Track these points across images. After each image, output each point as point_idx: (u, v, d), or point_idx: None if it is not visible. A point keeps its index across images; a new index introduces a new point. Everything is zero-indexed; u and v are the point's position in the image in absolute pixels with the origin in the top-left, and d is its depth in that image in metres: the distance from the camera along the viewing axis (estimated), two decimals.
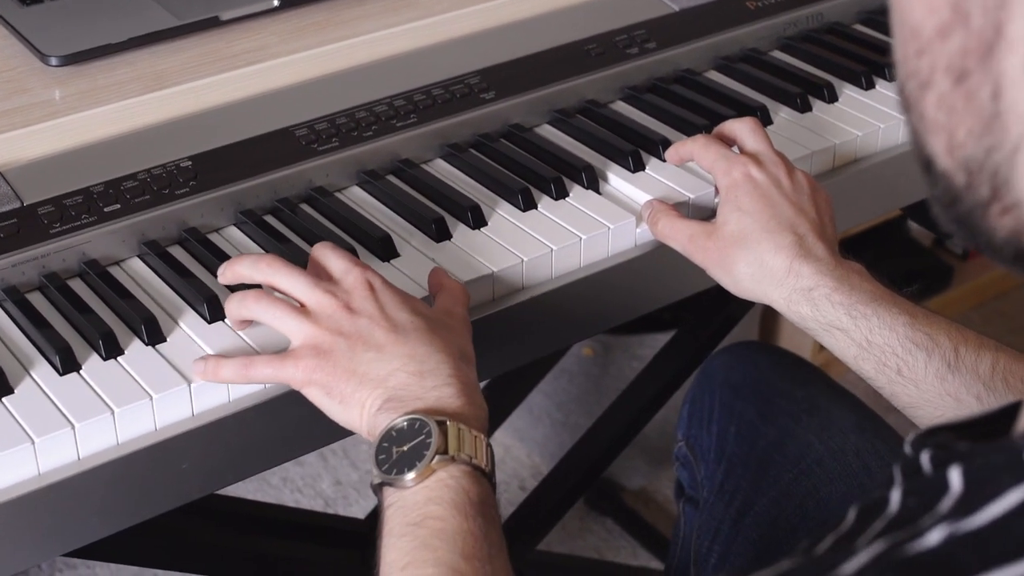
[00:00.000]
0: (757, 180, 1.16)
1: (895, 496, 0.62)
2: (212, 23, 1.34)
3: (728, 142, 1.23)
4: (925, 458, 0.63)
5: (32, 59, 1.29)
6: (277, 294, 1.04)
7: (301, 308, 1.02)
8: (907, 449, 0.66)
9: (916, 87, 0.62)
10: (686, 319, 1.75)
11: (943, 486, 0.59)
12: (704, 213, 1.24)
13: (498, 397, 1.94)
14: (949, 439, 0.64)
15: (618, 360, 2.26)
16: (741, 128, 1.22)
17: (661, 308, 1.30)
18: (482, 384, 1.89)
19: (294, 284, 1.03)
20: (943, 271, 2.60)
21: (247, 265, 1.06)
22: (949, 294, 2.60)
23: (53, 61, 1.27)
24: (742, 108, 1.38)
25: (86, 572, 2.10)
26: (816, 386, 1.40)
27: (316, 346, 0.99)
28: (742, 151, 1.20)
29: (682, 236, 1.17)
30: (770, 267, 1.12)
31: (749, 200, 1.15)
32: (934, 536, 0.56)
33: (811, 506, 1.28)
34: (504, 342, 1.18)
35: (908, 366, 1.07)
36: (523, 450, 2.32)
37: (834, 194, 1.28)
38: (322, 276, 1.05)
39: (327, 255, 1.06)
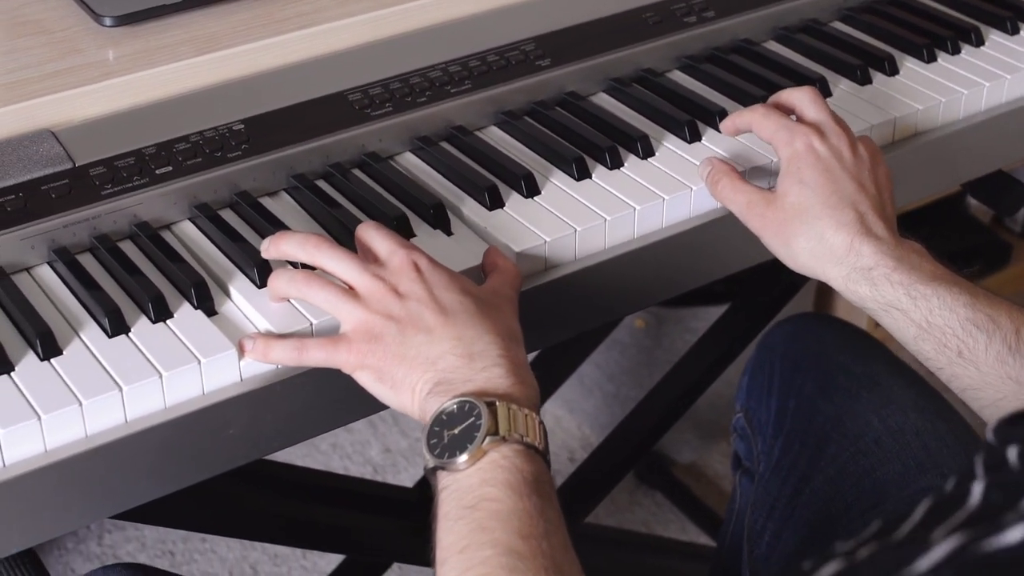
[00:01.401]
0: (819, 152, 1.13)
1: (977, 489, 0.60)
2: None
3: (786, 111, 1.20)
4: (1013, 453, 0.61)
5: (86, 19, 1.28)
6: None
7: (350, 291, 1.01)
8: (990, 438, 0.64)
9: None
10: (740, 292, 1.74)
11: None
12: (764, 183, 1.22)
13: (549, 368, 1.93)
14: None
15: (670, 332, 2.25)
16: (800, 97, 1.19)
17: (715, 281, 1.29)
18: (532, 355, 1.88)
19: (341, 267, 1.02)
20: (1002, 249, 2.56)
21: (294, 244, 1.05)
22: (1008, 272, 2.56)
23: (107, 21, 1.26)
24: (800, 79, 1.35)
25: (134, 533, 2.11)
26: (877, 362, 1.38)
27: (367, 331, 0.98)
28: (802, 121, 1.18)
29: (741, 200, 1.15)
30: (830, 244, 1.10)
31: (811, 173, 1.13)
32: (1016, 533, 0.54)
33: (867, 485, 1.26)
34: (555, 313, 1.17)
35: (968, 348, 1.05)
36: (573, 421, 2.31)
37: (894, 168, 1.26)
38: (368, 257, 1.04)
39: (372, 236, 1.05)
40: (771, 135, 1.17)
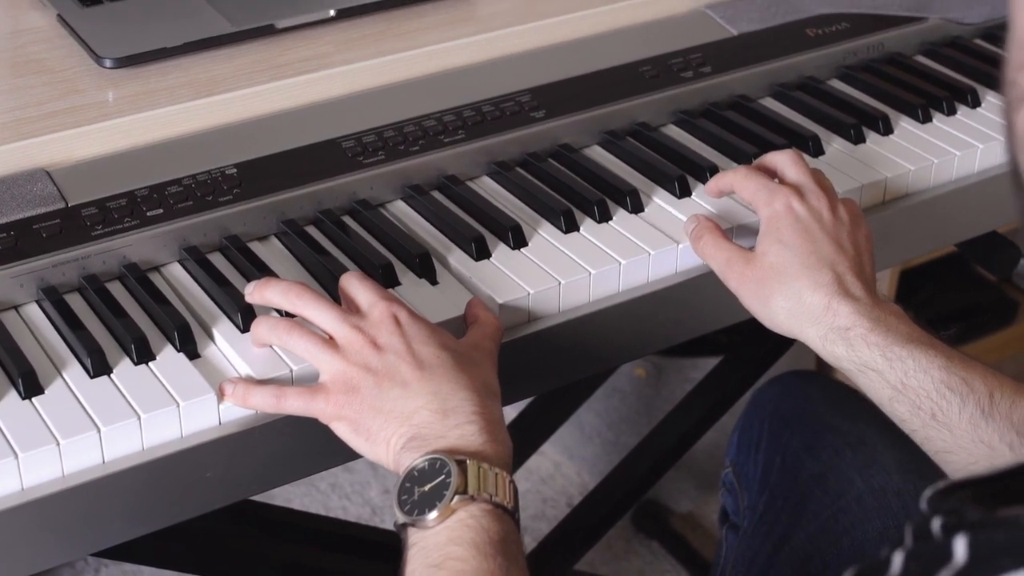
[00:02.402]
0: (799, 213, 1.14)
1: (898, 559, 0.60)
2: (268, 31, 1.35)
3: (770, 174, 1.21)
4: (936, 524, 0.62)
5: (87, 60, 1.30)
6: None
7: (330, 341, 1.02)
8: (923, 506, 0.65)
9: (1014, 98, 0.60)
10: (734, 345, 1.74)
11: (946, 555, 0.57)
12: (750, 242, 1.22)
13: (545, 413, 1.94)
14: (964, 502, 0.62)
15: (671, 382, 2.25)
16: (782, 160, 1.20)
17: (717, 331, 1.29)
18: (527, 401, 1.89)
19: (323, 317, 1.03)
20: (1008, 306, 2.56)
21: (277, 293, 1.06)
22: (1015, 329, 2.56)
23: (107, 63, 1.28)
24: (794, 137, 1.36)
25: (131, 567, 2.11)
26: (865, 421, 1.38)
27: (345, 382, 0.99)
28: (783, 182, 1.19)
29: (721, 257, 1.16)
30: (808, 304, 1.11)
31: (790, 233, 1.13)
32: None
33: (846, 544, 1.27)
34: (538, 364, 1.18)
35: (942, 410, 1.06)
36: (572, 468, 2.31)
37: (884, 228, 1.27)
38: (351, 307, 1.05)
39: (355, 286, 1.06)
40: (752, 195, 1.18)
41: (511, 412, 2.07)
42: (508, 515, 0.93)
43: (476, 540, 0.90)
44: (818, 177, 1.20)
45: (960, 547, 0.57)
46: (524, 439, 1.90)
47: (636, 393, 2.27)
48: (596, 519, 1.80)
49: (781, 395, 1.44)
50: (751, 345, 1.72)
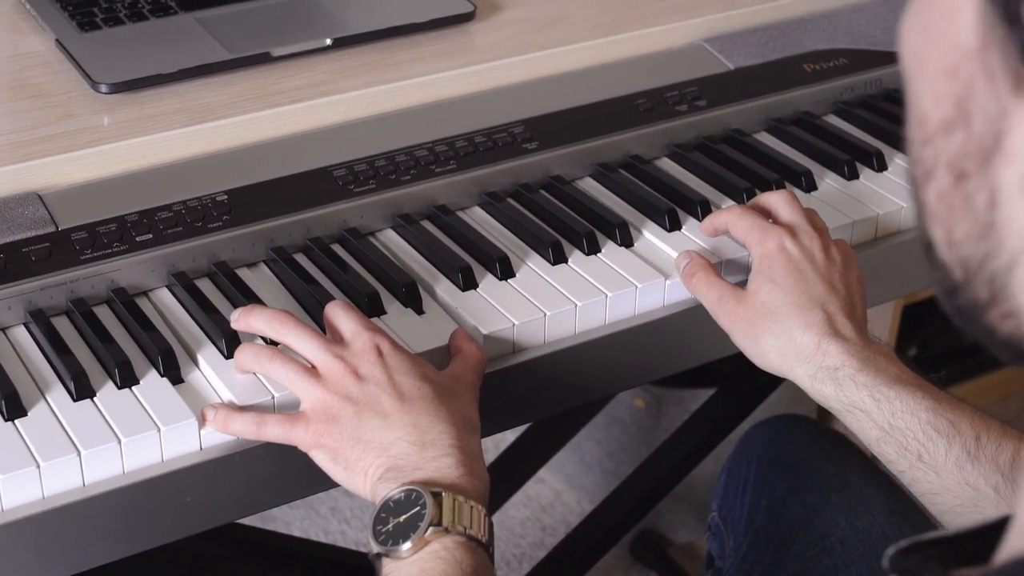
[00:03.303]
0: (791, 253, 1.15)
1: None
2: (263, 59, 1.35)
3: (764, 214, 1.22)
4: None
5: (83, 85, 1.31)
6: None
7: (312, 370, 1.03)
8: (885, 564, 0.65)
9: (921, 174, 0.61)
10: (728, 378, 1.74)
11: None
12: (737, 278, 1.23)
13: (543, 439, 1.94)
14: (923, 562, 0.62)
15: (670, 413, 2.25)
16: (776, 200, 1.21)
17: (718, 362, 1.29)
18: (524, 427, 1.89)
19: (304, 345, 1.04)
20: None
21: (262, 320, 1.07)
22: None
23: (103, 88, 1.29)
24: (787, 172, 1.37)
25: None
26: (850, 464, 1.38)
27: (325, 411, 1.00)
28: (777, 223, 1.19)
29: (713, 295, 1.17)
30: (798, 343, 1.11)
31: (782, 273, 1.14)
32: None
33: None
34: (523, 395, 1.18)
35: (928, 452, 1.06)
36: (572, 496, 2.31)
37: (877, 264, 1.27)
38: (335, 336, 1.06)
39: (339, 315, 1.07)
40: (744, 235, 1.18)
41: (509, 437, 2.07)
42: (482, 548, 0.94)
43: (448, 572, 0.90)
44: (811, 217, 1.20)
45: None
46: (521, 465, 1.90)
47: (636, 423, 2.27)
48: (589, 547, 1.80)
49: (768, 438, 1.44)
50: (745, 378, 1.72)
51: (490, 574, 0.93)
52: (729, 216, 1.21)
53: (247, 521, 2.06)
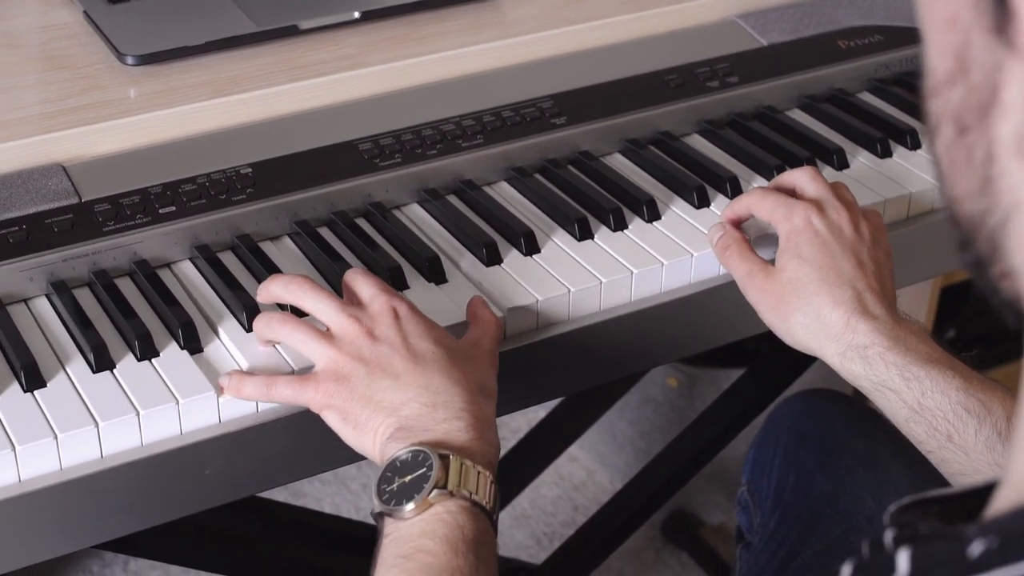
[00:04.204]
0: (818, 228, 1.13)
1: (846, 570, 0.59)
2: (291, 31, 1.35)
3: (789, 193, 1.20)
4: (888, 536, 0.61)
5: (110, 57, 1.30)
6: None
7: (326, 333, 1.02)
8: (885, 520, 0.64)
9: (932, 128, 0.60)
10: (759, 357, 1.72)
11: (891, 567, 0.57)
12: (770, 252, 1.21)
13: (573, 415, 1.93)
14: (921, 516, 0.62)
15: (703, 392, 2.23)
16: (801, 177, 1.19)
17: (750, 341, 1.27)
18: (556, 402, 1.88)
19: (320, 307, 1.03)
20: None
21: (279, 285, 1.07)
22: None
23: (129, 60, 1.29)
24: (819, 149, 1.35)
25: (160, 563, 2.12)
26: (881, 441, 1.36)
27: (336, 371, 0.99)
28: (803, 198, 1.17)
29: (743, 269, 1.15)
30: (827, 321, 1.10)
31: (810, 248, 1.12)
32: None
33: None
34: (547, 371, 1.17)
35: (959, 432, 1.04)
36: (605, 476, 2.30)
37: (909, 244, 1.25)
38: (354, 302, 1.05)
39: (358, 281, 1.06)
40: (770, 213, 1.16)
41: (539, 412, 2.06)
42: (485, 515, 0.93)
43: (449, 536, 0.89)
44: (839, 190, 1.18)
45: (903, 560, 0.56)
46: (551, 441, 1.89)
47: (669, 403, 2.26)
48: (617, 526, 1.79)
49: (798, 413, 1.42)
50: (777, 357, 1.70)
51: (491, 541, 0.92)
52: (750, 199, 1.19)
53: (279, 497, 2.07)
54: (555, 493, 2.27)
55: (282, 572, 1.58)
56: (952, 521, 0.61)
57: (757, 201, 1.18)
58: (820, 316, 1.10)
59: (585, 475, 2.29)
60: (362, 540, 1.70)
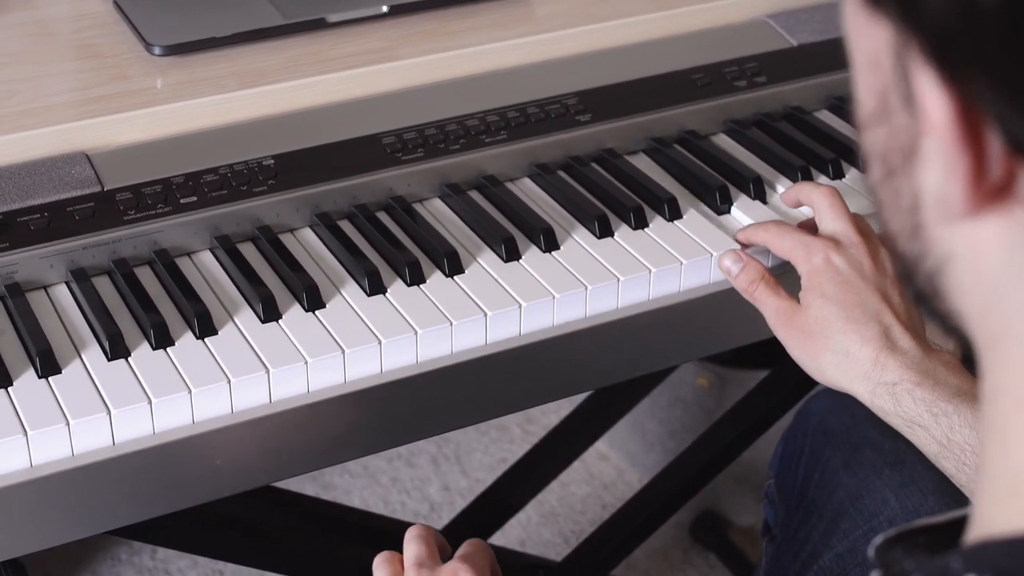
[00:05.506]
0: (838, 266, 1.12)
1: None
2: (318, 24, 1.35)
3: (802, 201, 1.19)
4: None
5: (138, 47, 1.31)
6: None
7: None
8: (871, 553, 0.63)
9: (864, 160, 0.58)
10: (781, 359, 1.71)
11: None
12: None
13: (599, 411, 1.92)
14: (907, 551, 0.61)
15: (733, 393, 2.22)
16: (820, 201, 1.17)
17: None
18: (584, 396, 1.87)
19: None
20: None
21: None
22: None
23: (157, 50, 1.29)
24: (846, 152, 1.34)
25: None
26: (907, 440, 1.35)
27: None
28: (820, 230, 1.16)
29: (771, 306, 1.14)
30: (856, 359, 1.09)
31: (832, 287, 1.11)
32: None
33: None
34: (561, 369, 1.17)
35: None
36: (635, 475, 2.30)
37: None
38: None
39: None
40: (788, 253, 1.15)
41: (565, 406, 2.06)
42: None
43: None
44: (858, 223, 1.16)
45: None
46: (575, 437, 1.88)
47: (698, 403, 2.25)
48: (639, 522, 1.78)
49: (827, 409, 1.42)
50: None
51: None
52: (767, 236, 1.18)
53: (307, 490, 2.08)
54: (584, 491, 2.27)
55: (308, 565, 1.58)
56: (939, 551, 0.60)
57: (774, 239, 1.17)
58: (849, 354, 1.09)
59: (615, 474, 2.28)
60: (389, 535, 1.70)
